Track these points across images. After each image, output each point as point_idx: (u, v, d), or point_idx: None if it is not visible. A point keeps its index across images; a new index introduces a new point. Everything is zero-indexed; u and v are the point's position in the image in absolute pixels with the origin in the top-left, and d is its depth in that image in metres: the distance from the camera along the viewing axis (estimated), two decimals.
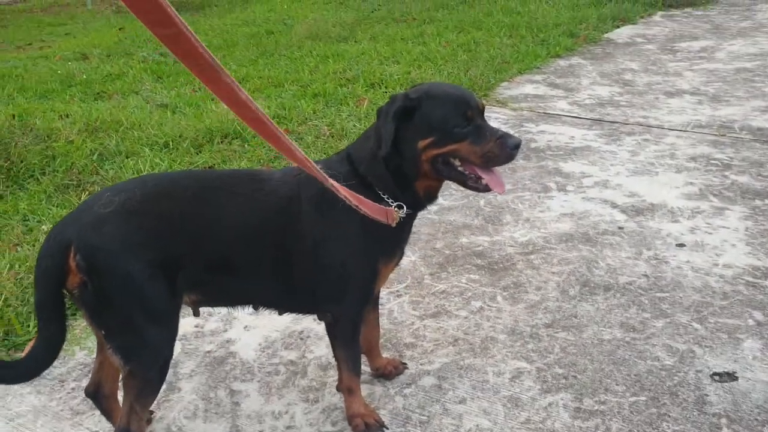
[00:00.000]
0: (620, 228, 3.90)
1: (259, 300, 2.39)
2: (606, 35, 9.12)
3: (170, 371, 2.81)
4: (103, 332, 2.08)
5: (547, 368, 2.80)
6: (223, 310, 3.26)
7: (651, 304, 3.18)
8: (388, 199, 2.28)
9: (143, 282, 2.02)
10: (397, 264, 2.47)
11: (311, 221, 2.23)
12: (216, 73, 1.52)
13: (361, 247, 2.24)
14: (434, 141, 2.18)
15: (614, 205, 4.18)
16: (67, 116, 6.05)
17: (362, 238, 2.26)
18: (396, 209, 2.24)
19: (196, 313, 2.36)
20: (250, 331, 3.12)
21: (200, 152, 5.09)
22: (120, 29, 11.48)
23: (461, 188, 2.40)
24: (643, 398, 2.61)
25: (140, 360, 2.09)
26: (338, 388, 2.56)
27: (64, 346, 2.74)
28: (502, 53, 7.78)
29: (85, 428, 2.55)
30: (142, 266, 2.01)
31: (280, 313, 2.49)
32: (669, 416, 2.52)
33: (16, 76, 7.99)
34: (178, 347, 3.01)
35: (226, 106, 1.67)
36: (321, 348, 2.96)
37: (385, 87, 6.68)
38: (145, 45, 9.67)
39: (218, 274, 2.21)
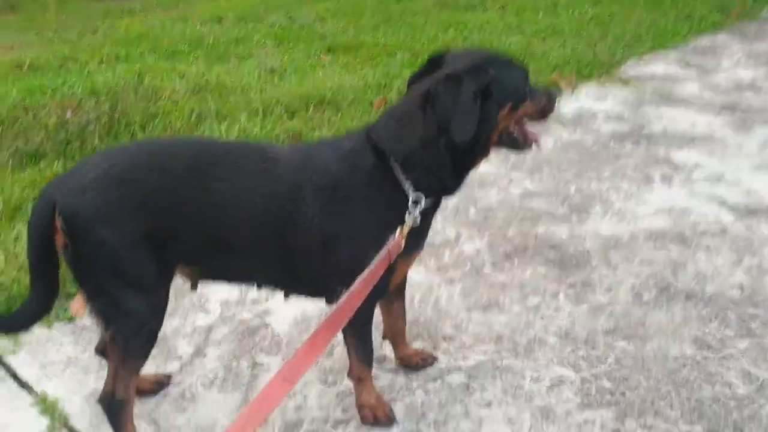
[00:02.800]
0: (723, 230, 3.41)
1: (261, 282, 2.26)
2: (766, 11, 8.14)
3: (202, 336, 2.79)
4: (84, 294, 2.03)
5: (594, 380, 2.48)
6: None
7: (738, 321, 2.75)
8: (413, 192, 2.06)
9: (122, 251, 1.95)
10: (416, 257, 2.26)
11: (320, 215, 2.05)
12: None
13: (374, 244, 2.01)
14: (511, 107, 2.08)
15: (723, 203, 3.67)
16: (183, 77, 6.22)
17: (379, 236, 2.03)
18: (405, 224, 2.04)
19: (194, 287, 2.28)
20: (290, 304, 3.00)
21: (293, 118, 5.03)
22: None
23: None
24: (699, 429, 2.25)
25: (120, 326, 2.03)
26: (349, 375, 2.39)
27: None
28: (638, 28, 7.14)
29: None
30: (122, 235, 1.93)
31: (286, 296, 2.35)
32: None
33: (152, 37, 8.36)
34: (217, 311, 2.98)
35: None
36: None
37: None
38: (277, 10, 9.80)
39: (212, 252, 2.10)
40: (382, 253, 1.96)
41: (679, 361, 2.55)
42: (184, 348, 2.76)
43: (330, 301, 2.30)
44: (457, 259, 3.28)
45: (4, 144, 4.42)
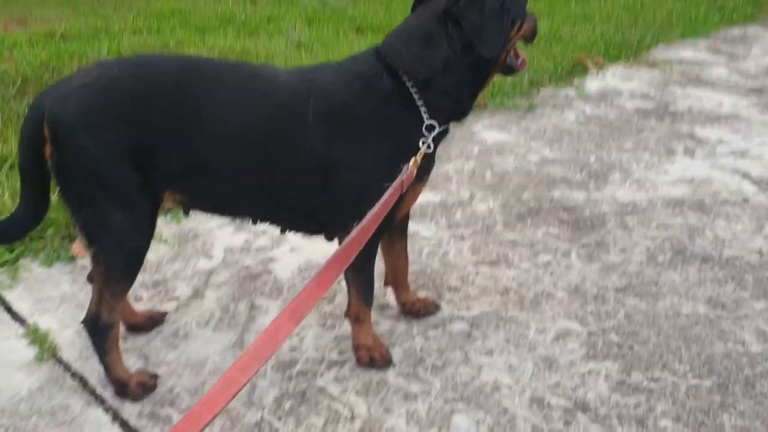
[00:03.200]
0: (745, 199, 3.29)
1: (254, 214, 2.18)
2: None
3: (202, 279, 2.74)
4: (69, 209, 1.98)
5: (602, 333, 2.39)
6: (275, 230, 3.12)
7: (755, 283, 2.63)
8: (428, 119, 2.00)
9: (104, 161, 1.88)
10: (423, 186, 2.18)
11: (325, 140, 1.96)
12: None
13: (384, 172, 1.93)
14: (520, 25, 2.04)
15: (746, 176, 3.55)
16: (212, 48, 6.22)
17: (387, 161, 1.96)
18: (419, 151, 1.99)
19: (186, 213, 2.22)
20: (295, 252, 2.96)
21: None
22: None
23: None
24: (708, 383, 2.14)
25: (103, 244, 1.96)
26: (346, 314, 2.33)
27: None
28: (669, 17, 7.00)
29: None
30: (104, 144, 1.86)
31: (282, 231, 2.28)
32: (734, 408, 2.04)
33: (185, 12, 8.39)
34: (220, 257, 2.93)
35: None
36: None
37: None
38: None
39: (201, 176, 2.01)
40: (396, 183, 1.87)
41: (691, 318, 2.45)
42: (183, 290, 2.71)
43: (329, 237, 2.23)
44: (469, 218, 3.20)
45: (24, 98, 4.44)
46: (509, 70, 2.13)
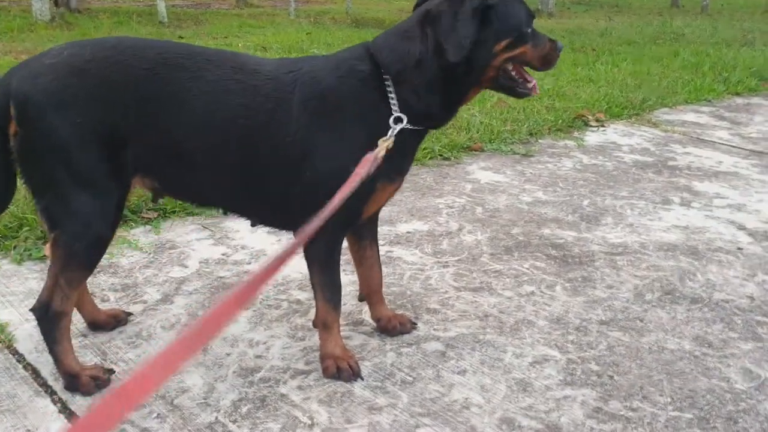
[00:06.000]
0: (739, 248, 3.21)
1: (225, 204, 2.14)
2: None
3: (174, 286, 2.66)
4: (31, 191, 1.92)
5: (581, 362, 2.28)
6: (255, 245, 3.05)
7: (744, 325, 2.53)
8: (396, 111, 1.98)
9: (72, 142, 1.83)
10: (397, 189, 2.13)
11: (304, 128, 1.94)
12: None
13: (353, 159, 1.87)
14: (510, 43, 1.98)
15: (741, 227, 3.47)
16: None
17: (359, 147, 1.92)
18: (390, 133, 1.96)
19: (155, 200, 2.17)
20: None
21: None
22: (307, 33, 11.96)
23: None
24: (689, 416, 2.03)
25: (66, 228, 1.90)
26: (314, 324, 2.23)
27: None
28: (674, 84, 7.04)
29: None
30: (73, 125, 1.82)
31: (253, 224, 2.21)
32: None
33: None
34: (194, 267, 2.85)
35: None
36: None
37: None
38: (321, 46, 9.97)
39: (174, 163, 1.98)
40: (362, 171, 1.82)
41: (676, 354, 2.34)
42: (152, 294, 2.63)
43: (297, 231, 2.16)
44: (456, 248, 3.13)
45: None
46: (512, 91, 2.08)
